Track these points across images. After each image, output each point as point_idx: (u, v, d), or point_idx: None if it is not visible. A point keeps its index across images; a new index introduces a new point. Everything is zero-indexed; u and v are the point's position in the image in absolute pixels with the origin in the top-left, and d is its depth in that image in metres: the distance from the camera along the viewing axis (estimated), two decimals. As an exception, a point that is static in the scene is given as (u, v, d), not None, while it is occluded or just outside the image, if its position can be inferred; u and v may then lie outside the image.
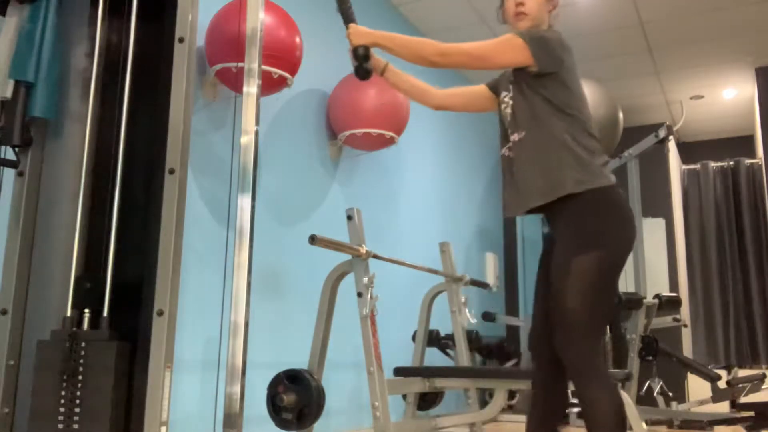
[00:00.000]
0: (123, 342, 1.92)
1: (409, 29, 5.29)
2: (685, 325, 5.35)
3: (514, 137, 2.16)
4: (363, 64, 2.19)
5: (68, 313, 1.96)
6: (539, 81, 2.10)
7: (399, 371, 3.25)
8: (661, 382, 4.81)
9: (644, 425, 2.71)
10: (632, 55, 5.74)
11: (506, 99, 2.25)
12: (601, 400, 1.91)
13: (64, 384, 1.87)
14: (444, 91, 2.41)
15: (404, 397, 3.75)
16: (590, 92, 5.26)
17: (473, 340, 4.98)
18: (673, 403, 4.83)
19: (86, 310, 1.98)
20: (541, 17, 2.20)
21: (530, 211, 2.14)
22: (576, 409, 4.84)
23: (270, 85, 3.20)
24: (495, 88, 2.37)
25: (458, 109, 2.42)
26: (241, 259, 1.92)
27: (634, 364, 4.46)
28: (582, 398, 1.94)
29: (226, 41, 3.05)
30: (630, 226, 2.04)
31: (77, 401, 1.86)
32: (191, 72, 2.06)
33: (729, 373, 4.74)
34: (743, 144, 7.23)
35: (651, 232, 6.48)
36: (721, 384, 4.57)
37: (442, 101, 2.40)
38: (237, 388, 1.85)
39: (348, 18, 2.28)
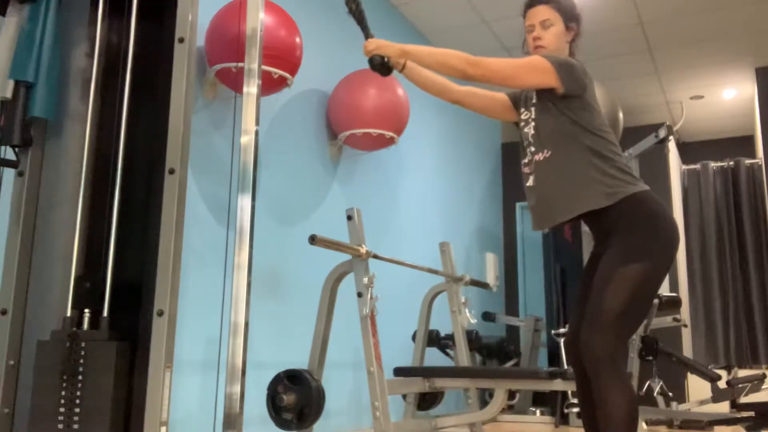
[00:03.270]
0: (123, 342, 1.92)
1: (408, 29, 5.29)
2: (685, 325, 5.34)
3: (538, 156, 2.19)
4: (386, 64, 2.26)
5: (68, 313, 1.96)
6: (565, 102, 2.15)
7: (399, 371, 3.25)
8: (661, 382, 4.81)
9: (644, 425, 2.71)
10: (632, 55, 5.74)
11: (527, 118, 2.28)
12: (616, 396, 1.93)
13: (64, 384, 1.87)
14: (465, 88, 2.40)
15: (404, 397, 3.75)
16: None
17: (473, 340, 4.98)
18: (673, 403, 4.83)
19: (86, 310, 1.98)
20: (559, 48, 2.26)
21: (571, 220, 2.17)
22: (575, 410, 4.83)
23: (270, 85, 3.20)
24: (515, 102, 2.39)
25: (475, 109, 2.42)
26: (241, 259, 1.92)
27: (634, 364, 4.46)
28: (597, 392, 1.95)
29: (226, 41, 3.05)
30: (674, 234, 2.06)
31: (77, 401, 1.86)
32: (191, 72, 2.06)
33: (729, 373, 4.74)
34: (743, 144, 7.23)
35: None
36: (721, 384, 4.57)
37: (461, 98, 2.39)
38: (237, 388, 1.85)
39: (368, 33, 2.33)
